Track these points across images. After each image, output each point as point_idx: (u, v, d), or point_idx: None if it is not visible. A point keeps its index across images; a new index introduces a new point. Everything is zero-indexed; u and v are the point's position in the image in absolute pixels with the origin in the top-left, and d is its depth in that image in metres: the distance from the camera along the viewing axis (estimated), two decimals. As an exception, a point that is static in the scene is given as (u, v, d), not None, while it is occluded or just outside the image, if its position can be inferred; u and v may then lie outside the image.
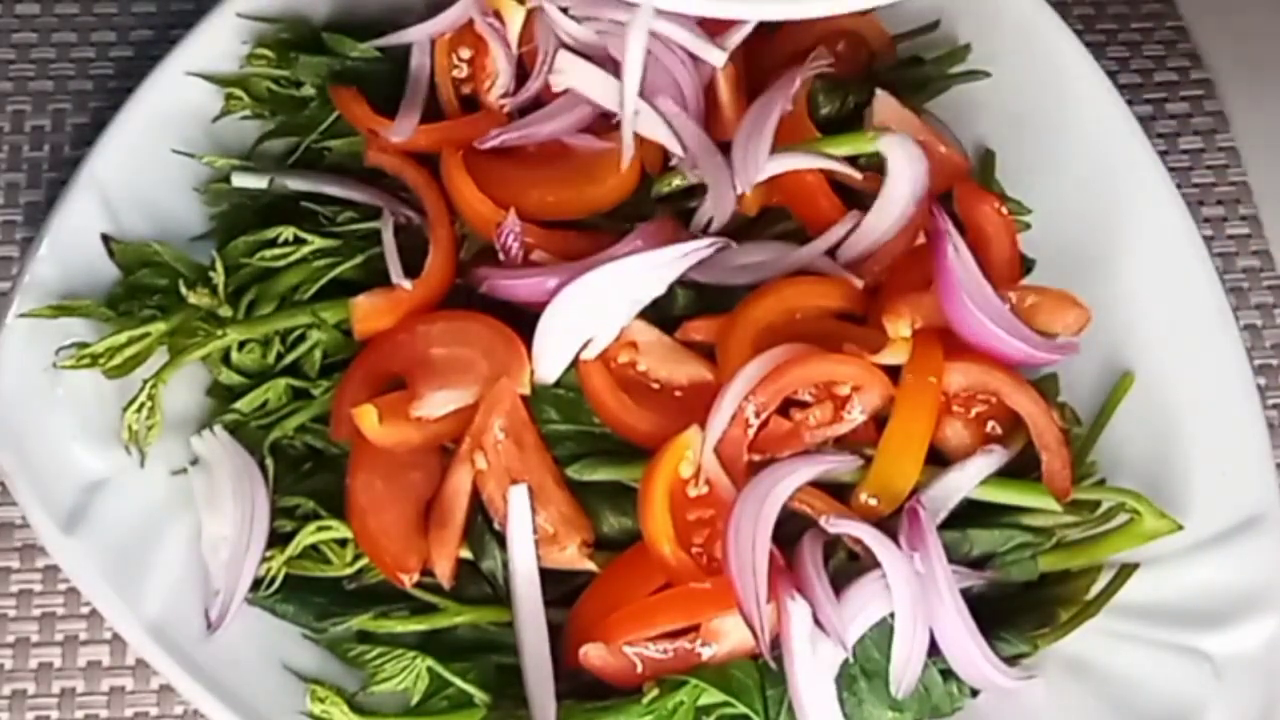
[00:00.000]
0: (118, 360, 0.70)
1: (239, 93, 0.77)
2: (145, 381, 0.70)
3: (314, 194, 0.76)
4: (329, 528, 0.70)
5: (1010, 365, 0.70)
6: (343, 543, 0.70)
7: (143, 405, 0.70)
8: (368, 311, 0.72)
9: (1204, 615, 0.70)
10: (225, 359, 0.73)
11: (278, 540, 0.70)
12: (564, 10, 0.75)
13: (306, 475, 0.72)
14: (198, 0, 0.78)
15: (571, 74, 0.75)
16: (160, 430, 0.71)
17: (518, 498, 0.68)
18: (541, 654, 0.68)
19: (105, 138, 0.74)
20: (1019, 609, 0.70)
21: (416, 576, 0.69)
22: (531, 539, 0.68)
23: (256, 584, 0.69)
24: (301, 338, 0.73)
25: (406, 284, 0.72)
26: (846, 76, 0.79)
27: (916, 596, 0.66)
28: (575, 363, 0.70)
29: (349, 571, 0.70)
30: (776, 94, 0.75)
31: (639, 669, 0.67)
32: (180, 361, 0.71)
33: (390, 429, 0.69)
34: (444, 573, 0.69)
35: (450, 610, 0.69)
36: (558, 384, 0.70)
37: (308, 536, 0.69)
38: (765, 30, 0.77)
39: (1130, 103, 0.79)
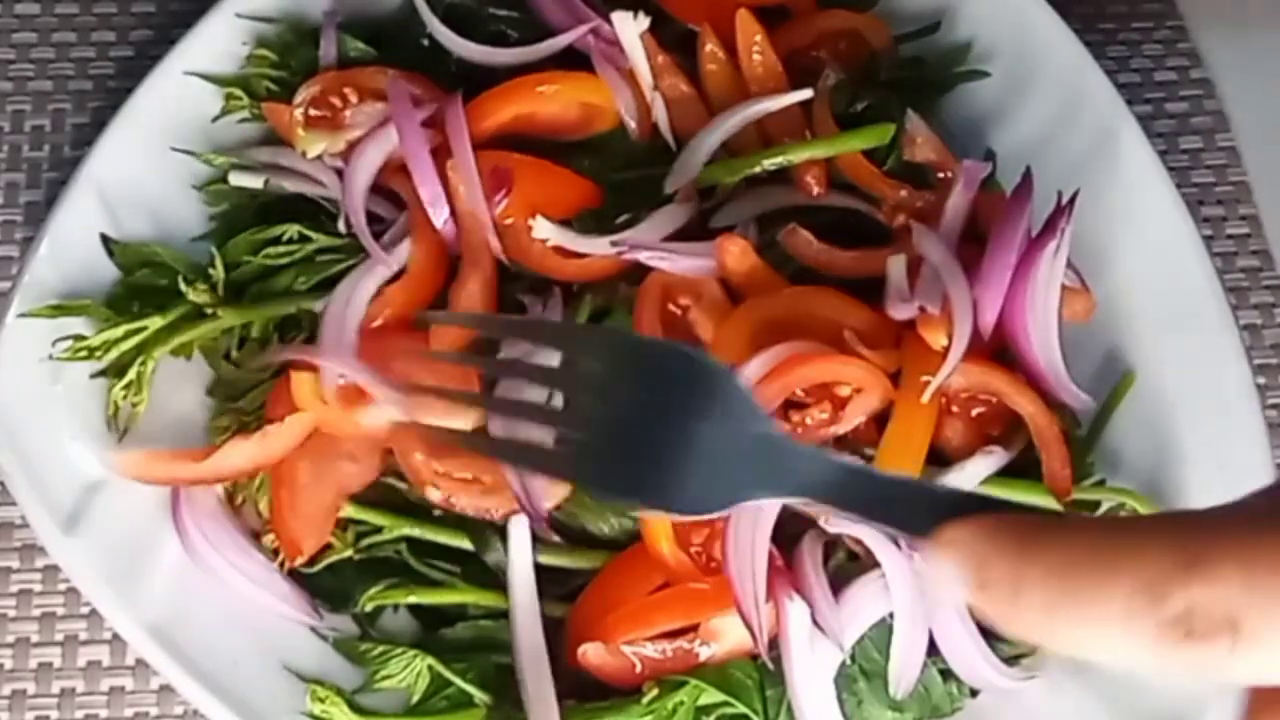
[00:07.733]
0: (114, 354, 0.70)
1: (239, 93, 0.77)
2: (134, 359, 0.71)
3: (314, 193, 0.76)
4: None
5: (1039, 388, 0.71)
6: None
7: (130, 383, 0.70)
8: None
9: (1204, 615, 0.70)
10: (226, 357, 0.73)
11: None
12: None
13: (306, 474, 0.72)
14: (198, 0, 0.78)
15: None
16: (146, 407, 0.71)
17: (518, 525, 0.68)
18: (539, 654, 0.68)
19: (105, 138, 0.74)
20: (1019, 609, 0.70)
21: (302, 561, 0.69)
22: (530, 542, 0.68)
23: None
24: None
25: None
26: (851, 77, 0.79)
27: (916, 596, 0.66)
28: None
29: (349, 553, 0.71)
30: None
31: (638, 669, 0.67)
32: (170, 340, 0.71)
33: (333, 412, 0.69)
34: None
35: (456, 588, 0.70)
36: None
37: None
38: (765, 27, 0.77)
39: (1130, 102, 0.78)
